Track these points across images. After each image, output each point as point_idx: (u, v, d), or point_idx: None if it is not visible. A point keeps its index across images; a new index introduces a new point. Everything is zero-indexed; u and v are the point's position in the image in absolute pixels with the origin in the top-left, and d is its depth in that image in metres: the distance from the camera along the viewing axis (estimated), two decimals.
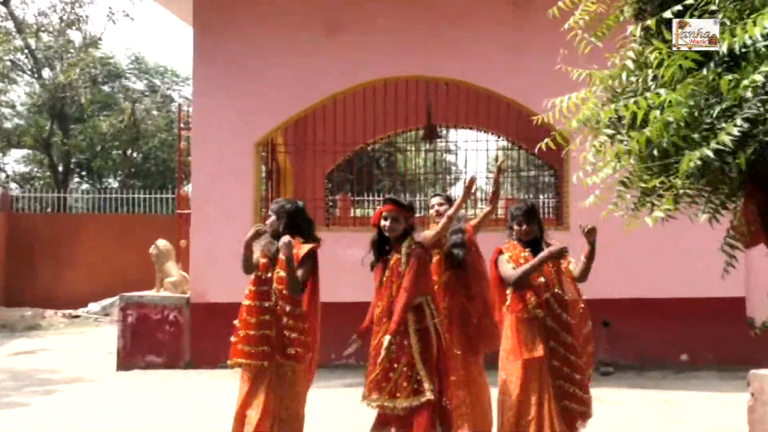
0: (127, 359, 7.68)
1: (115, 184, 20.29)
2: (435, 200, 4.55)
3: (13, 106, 20.10)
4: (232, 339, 3.89)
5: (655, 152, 2.31)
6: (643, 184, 2.47)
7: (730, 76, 2.09)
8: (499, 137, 10.18)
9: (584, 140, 2.65)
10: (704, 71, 2.18)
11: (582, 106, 2.60)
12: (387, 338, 3.59)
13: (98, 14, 42.56)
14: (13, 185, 19.90)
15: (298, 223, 3.94)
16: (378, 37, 7.93)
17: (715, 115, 2.15)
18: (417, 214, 4.22)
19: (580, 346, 3.85)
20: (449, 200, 4.54)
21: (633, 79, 2.46)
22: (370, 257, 3.90)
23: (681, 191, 2.28)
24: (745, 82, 2.05)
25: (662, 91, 2.22)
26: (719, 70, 2.17)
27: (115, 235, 13.95)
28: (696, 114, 2.19)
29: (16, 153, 20.92)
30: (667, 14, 2.32)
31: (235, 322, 3.93)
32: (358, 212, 12.28)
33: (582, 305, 3.96)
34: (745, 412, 3.83)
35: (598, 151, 2.57)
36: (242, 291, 3.98)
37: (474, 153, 8.83)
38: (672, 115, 2.14)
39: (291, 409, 3.81)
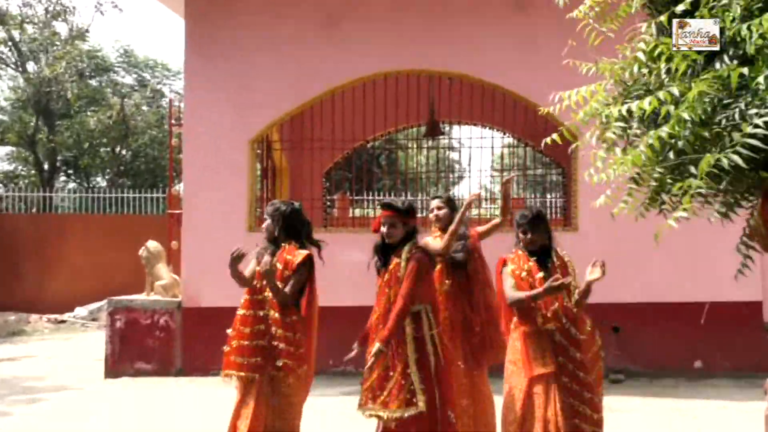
0: (116, 366, 7.58)
1: (104, 183, 20.29)
2: (434, 203, 4.58)
3: None
4: (225, 349, 3.87)
5: (671, 154, 2.31)
6: (654, 183, 2.48)
7: (745, 69, 2.12)
8: (504, 134, 10.21)
9: (593, 135, 2.63)
10: (717, 65, 2.22)
11: (590, 100, 2.62)
12: (376, 345, 3.56)
13: (85, 5, 42.60)
14: None
15: (294, 226, 3.93)
16: (378, 29, 7.80)
17: (734, 116, 2.16)
18: (419, 215, 4.16)
19: (589, 362, 3.79)
20: (449, 202, 4.56)
21: (645, 71, 2.46)
22: (376, 262, 3.85)
23: (696, 191, 2.26)
24: (759, 79, 2.09)
25: (675, 90, 2.25)
26: (733, 64, 2.19)
27: (103, 237, 13.82)
28: (710, 111, 2.22)
29: (0, 150, 20.70)
30: (679, 8, 2.32)
31: (229, 330, 3.90)
32: (357, 212, 12.35)
33: (590, 324, 3.88)
34: (762, 421, 3.71)
35: (609, 148, 2.57)
36: (236, 295, 4.01)
37: (478, 150, 8.82)
38: (687, 112, 2.17)
39: (285, 420, 3.80)
